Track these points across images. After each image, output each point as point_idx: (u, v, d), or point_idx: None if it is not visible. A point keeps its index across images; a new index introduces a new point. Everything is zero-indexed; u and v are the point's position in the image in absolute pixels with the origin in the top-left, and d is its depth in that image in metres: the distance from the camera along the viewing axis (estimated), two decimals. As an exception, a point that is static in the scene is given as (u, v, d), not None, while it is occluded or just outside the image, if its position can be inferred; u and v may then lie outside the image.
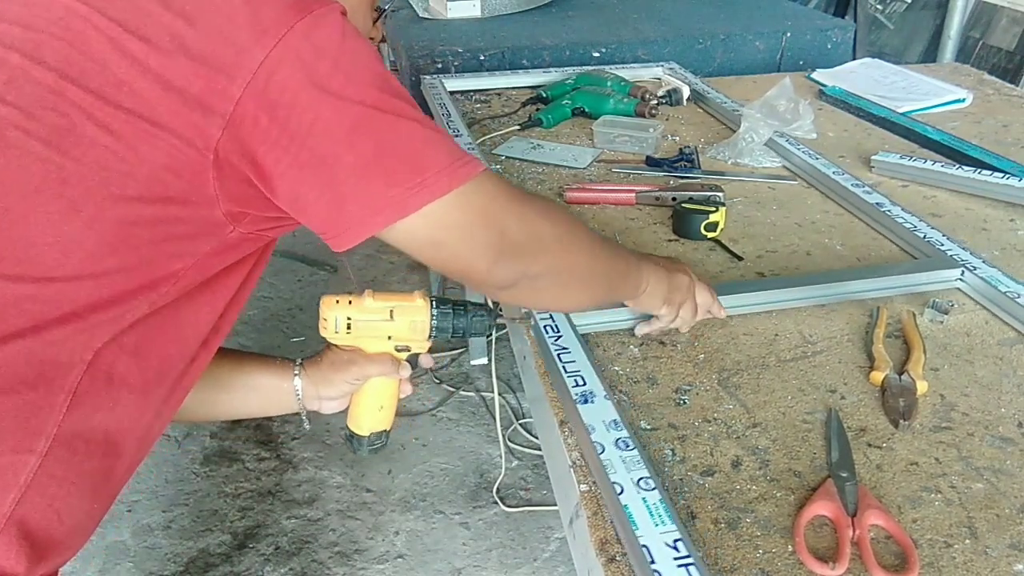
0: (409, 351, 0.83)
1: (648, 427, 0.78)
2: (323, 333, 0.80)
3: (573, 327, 0.90)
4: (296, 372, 0.84)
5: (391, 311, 0.79)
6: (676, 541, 0.63)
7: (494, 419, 2.04)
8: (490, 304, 0.88)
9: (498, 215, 0.65)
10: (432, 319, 0.80)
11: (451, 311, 0.81)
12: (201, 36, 0.56)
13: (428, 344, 0.83)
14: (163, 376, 0.65)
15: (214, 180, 0.58)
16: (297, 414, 0.86)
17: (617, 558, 0.64)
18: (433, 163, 0.60)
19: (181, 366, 0.66)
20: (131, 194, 0.57)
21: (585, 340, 0.89)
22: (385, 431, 0.87)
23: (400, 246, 0.63)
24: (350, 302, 0.79)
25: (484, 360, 2.29)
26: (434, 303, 0.81)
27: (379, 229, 0.60)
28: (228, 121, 0.56)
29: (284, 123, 0.57)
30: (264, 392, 0.85)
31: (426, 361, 0.86)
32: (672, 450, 0.75)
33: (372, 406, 0.85)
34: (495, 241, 0.65)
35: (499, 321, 0.87)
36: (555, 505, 1.76)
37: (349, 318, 0.79)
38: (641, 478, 0.69)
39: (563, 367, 0.84)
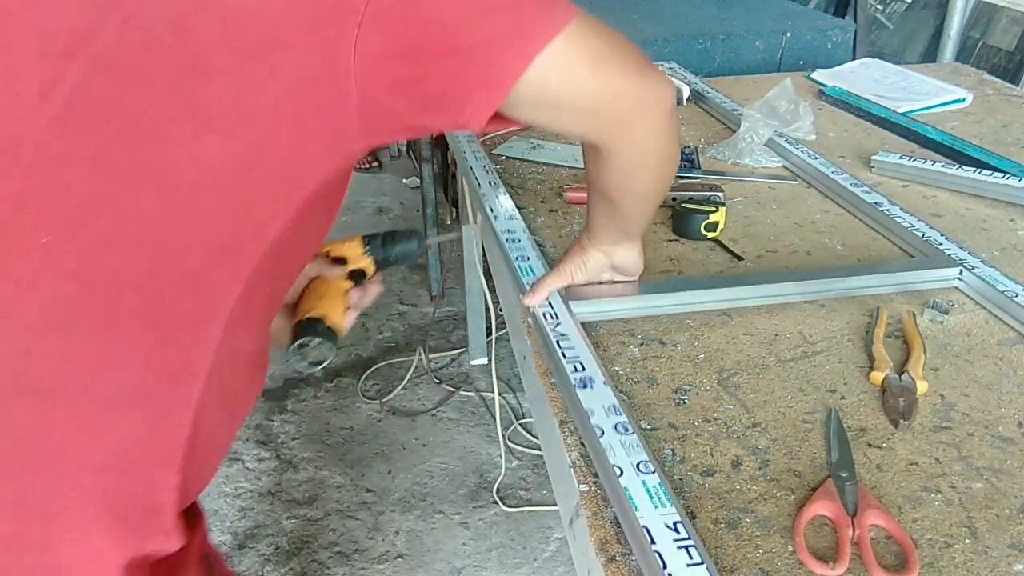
0: (346, 263, 0.90)
1: (648, 427, 0.78)
2: None
3: (572, 314, 0.91)
4: None
5: (329, 244, 0.91)
6: (676, 523, 0.63)
7: (494, 419, 2.04)
8: (418, 229, 0.96)
9: (616, 39, 0.64)
10: (363, 241, 0.92)
11: (380, 235, 0.93)
12: None
13: (368, 261, 0.92)
14: (282, 295, 0.66)
15: (354, 87, 0.56)
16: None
17: (617, 558, 0.64)
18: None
19: (291, 284, 0.67)
20: (265, 109, 0.55)
21: (584, 330, 0.89)
22: (323, 318, 0.84)
23: (527, 99, 0.60)
24: None
25: (484, 360, 2.29)
26: (365, 236, 0.93)
27: (531, 56, 0.57)
28: (363, 18, 0.55)
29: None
30: None
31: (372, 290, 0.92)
32: (672, 450, 0.75)
33: (311, 295, 0.86)
34: (612, 66, 0.63)
35: (427, 242, 0.96)
36: (555, 505, 1.76)
37: None
38: (640, 461, 0.69)
39: (562, 353, 0.84)
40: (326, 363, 0.84)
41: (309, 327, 0.82)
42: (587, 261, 0.92)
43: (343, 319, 0.86)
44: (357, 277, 0.92)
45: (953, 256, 1.04)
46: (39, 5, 0.52)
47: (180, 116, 0.53)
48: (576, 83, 0.61)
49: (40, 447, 0.53)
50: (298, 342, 0.81)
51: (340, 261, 0.90)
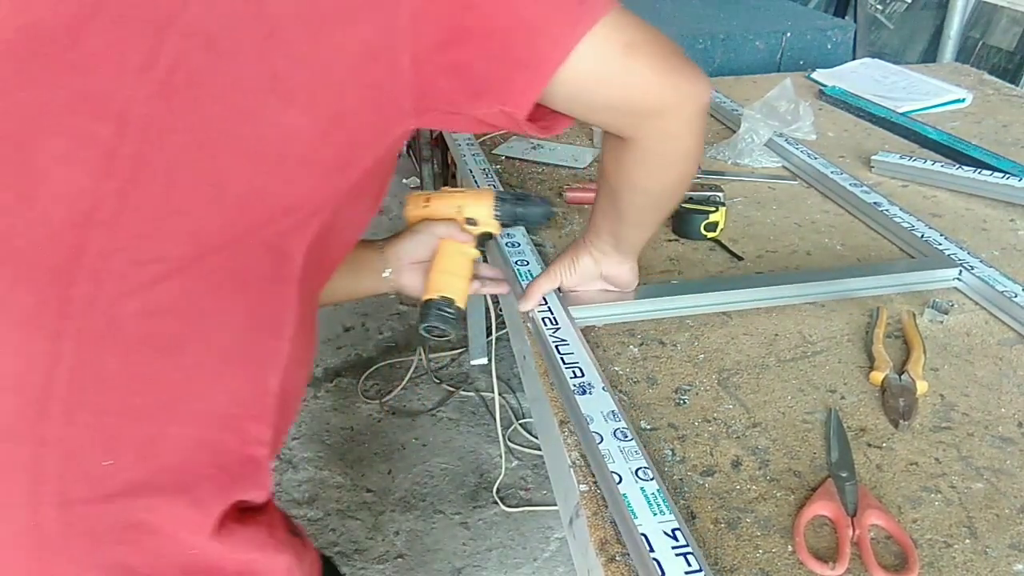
0: (477, 225, 0.95)
1: (648, 427, 0.78)
2: (405, 214, 0.96)
3: (571, 319, 0.91)
4: (380, 247, 0.94)
5: (462, 193, 0.97)
6: (675, 530, 0.63)
7: (494, 419, 2.04)
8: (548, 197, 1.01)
9: (653, 31, 0.65)
10: (495, 199, 0.95)
11: (511, 196, 0.98)
12: None
13: (496, 225, 0.96)
14: (340, 260, 0.70)
15: (407, 64, 0.59)
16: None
17: (617, 558, 0.64)
18: None
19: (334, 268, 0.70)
20: (342, 80, 0.58)
21: (583, 333, 0.89)
22: (452, 301, 0.92)
23: (566, 90, 0.62)
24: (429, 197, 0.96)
25: (484, 360, 2.29)
26: (497, 193, 0.97)
27: (574, 40, 0.59)
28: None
29: None
30: (354, 268, 0.90)
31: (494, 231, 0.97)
32: (672, 450, 0.75)
33: (442, 269, 0.92)
34: (654, 57, 0.64)
35: (555, 210, 1.00)
36: (555, 505, 1.76)
37: (428, 196, 0.96)
38: (639, 468, 0.69)
39: (561, 359, 0.84)
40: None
41: (439, 313, 0.91)
42: (577, 264, 0.92)
43: (465, 291, 0.93)
44: (483, 239, 0.96)
45: (953, 256, 1.04)
46: None
47: (265, 87, 0.56)
48: (612, 71, 0.63)
49: (161, 395, 0.55)
50: (428, 324, 0.91)
51: (470, 222, 0.94)
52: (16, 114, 0.53)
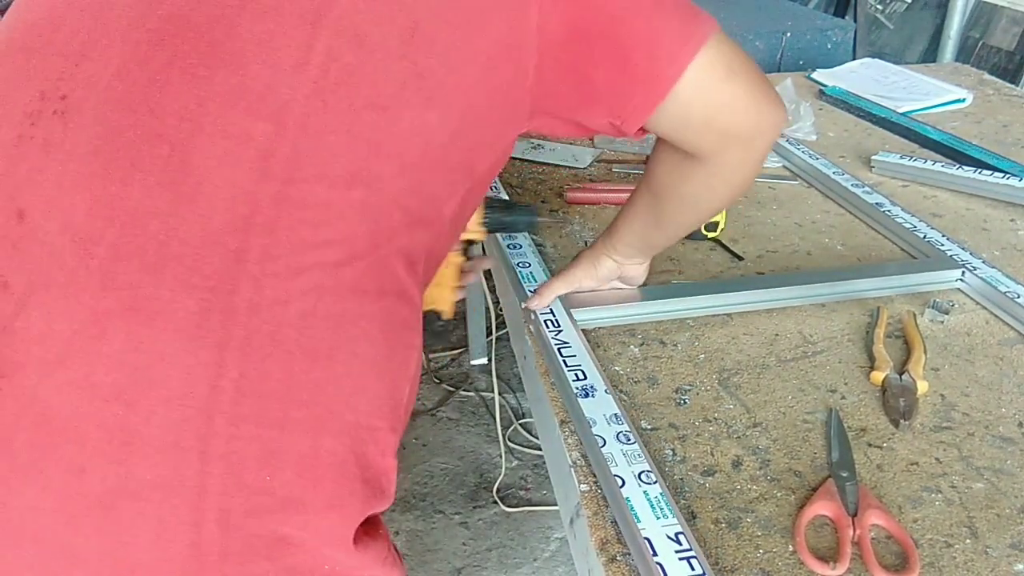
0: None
1: (648, 427, 0.78)
2: None
3: (573, 321, 0.91)
4: None
5: None
6: (678, 534, 0.63)
7: (494, 419, 2.04)
8: (534, 205, 1.01)
9: (746, 56, 0.66)
10: (484, 206, 0.94)
11: (499, 202, 0.97)
12: None
13: (482, 232, 0.95)
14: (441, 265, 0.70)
15: (532, 64, 0.60)
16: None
17: (618, 558, 0.64)
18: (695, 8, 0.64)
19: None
20: (475, 80, 0.58)
21: (585, 335, 0.89)
22: (440, 314, 0.92)
23: (672, 110, 0.63)
24: None
25: (484, 360, 2.29)
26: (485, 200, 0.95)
27: (689, 59, 0.61)
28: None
29: None
30: None
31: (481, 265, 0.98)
32: (672, 450, 0.75)
33: None
34: (753, 83, 0.66)
35: (540, 219, 0.99)
36: (555, 505, 1.75)
37: None
38: (642, 471, 0.69)
39: (563, 361, 0.84)
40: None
41: (427, 328, 0.88)
42: (599, 269, 0.91)
43: (452, 301, 0.92)
44: (467, 245, 0.95)
45: (955, 257, 1.04)
46: None
47: (410, 87, 0.55)
48: (714, 94, 0.64)
49: (317, 406, 0.53)
50: None
51: None
52: (170, 111, 0.51)
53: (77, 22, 0.55)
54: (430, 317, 0.89)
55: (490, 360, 2.24)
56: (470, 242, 0.96)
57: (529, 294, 0.95)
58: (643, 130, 0.67)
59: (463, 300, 0.94)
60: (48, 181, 0.51)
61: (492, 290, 1.24)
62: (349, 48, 0.53)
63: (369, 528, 0.58)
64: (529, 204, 1.00)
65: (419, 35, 0.55)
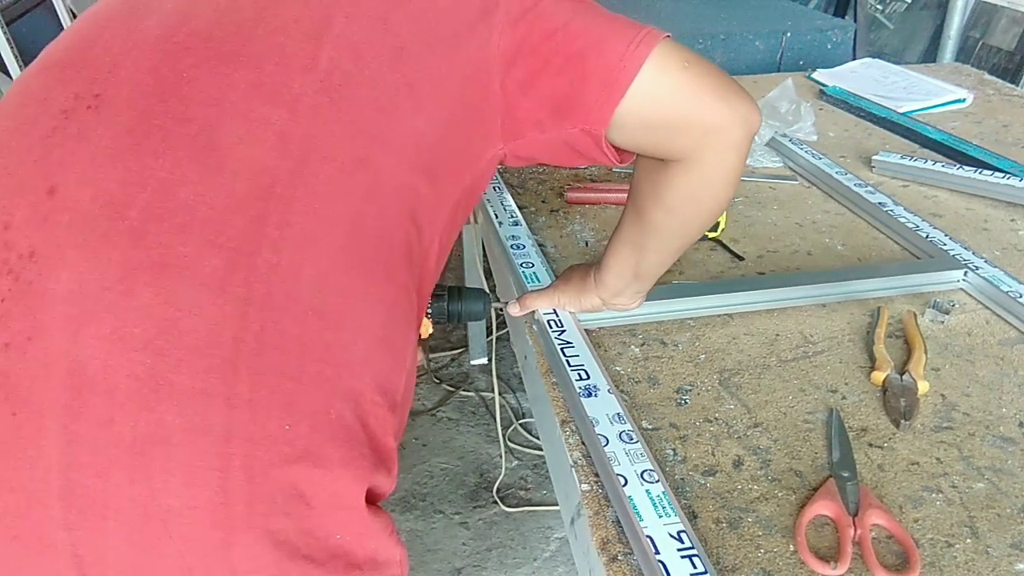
0: None
1: (649, 427, 0.78)
2: None
3: (577, 321, 0.91)
4: None
5: None
6: (680, 532, 0.63)
7: (494, 419, 2.04)
8: (486, 289, 0.92)
9: (703, 57, 0.69)
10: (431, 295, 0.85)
11: (445, 293, 0.88)
12: None
13: (428, 324, 0.88)
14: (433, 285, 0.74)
15: (497, 83, 0.66)
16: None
17: (619, 557, 0.64)
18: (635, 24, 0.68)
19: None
20: (453, 96, 0.65)
21: (588, 335, 0.89)
22: None
23: (636, 110, 0.67)
24: None
25: (484, 360, 2.29)
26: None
27: (644, 53, 0.65)
28: (501, 20, 0.66)
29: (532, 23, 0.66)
30: None
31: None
32: (673, 450, 0.75)
33: None
34: (709, 77, 0.68)
35: (495, 305, 0.91)
36: (555, 505, 1.75)
37: None
38: (645, 470, 0.69)
39: (567, 361, 0.84)
40: None
41: None
42: (582, 301, 0.91)
43: None
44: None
45: (958, 257, 1.04)
46: (279, 4, 0.62)
47: (402, 93, 0.62)
48: (675, 87, 0.67)
49: (327, 367, 0.56)
50: None
51: None
52: (198, 100, 0.57)
53: (109, 41, 0.61)
54: None
55: (490, 360, 2.24)
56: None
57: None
58: (621, 157, 0.71)
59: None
60: (81, 161, 0.55)
61: (492, 290, 1.24)
62: (348, 59, 0.61)
63: (372, 505, 0.60)
64: (480, 289, 0.90)
65: (406, 53, 0.63)
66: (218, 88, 0.58)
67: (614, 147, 0.70)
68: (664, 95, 0.67)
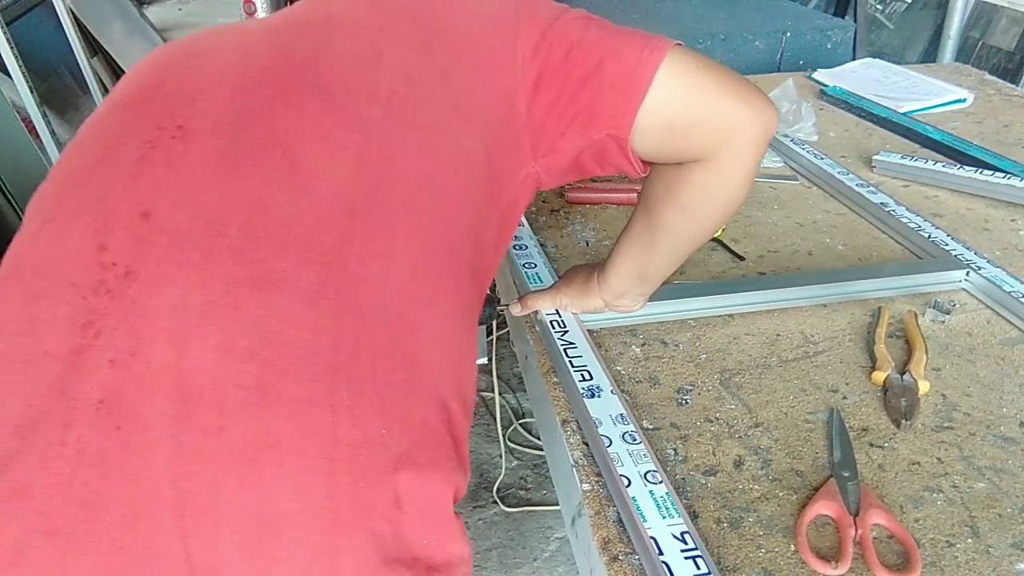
0: None
1: (650, 427, 0.78)
2: None
3: (579, 322, 0.91)
4: None
5: None
6: (684, 533, 0.64)
7: (494, 419, 2.04)
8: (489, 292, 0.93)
9: (716, 61, 0.73)
10: None
11: None
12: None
13: None
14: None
15: (523, 103, 0.71)
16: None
17: (620, 557, 0.64)
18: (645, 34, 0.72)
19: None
20: (490, 115, 0.70)
21: (590, 335, 0.89)
22: None
23: (658, 111, 0.69)
24: None
25: (484, 360, 2.29)
26: None
27: (659, 58, 0.69)
28: (521, 41, 0.70)
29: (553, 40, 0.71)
30: None
31: None
32: (674, 449, 0.75)
33: None
34: (726, 77, 0.71)
35: (499, 308, 0.91)
36: (555, 505, 1.75)
37: None
38: (648, 471, 0.70)
39: (570, 361, 0.84)
40: None
41: None
42: (585, 303, 0.92)
43: None
44: None
45: (960, 257, 1.04)
46: (332, 40, 0.67)
47: (452, 113, 0.67)
48: (691, 87, 0.69)
49: (413, 375, 0.58)
50: None
51: None
52: (278, 127, 0.61)
53: (179, 81, 0.64)
54: None
55: (490, 360, 2.24)
56: None
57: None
58: (649, 165, 0.74)
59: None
60: (173, 186, 0.58)
61: (493, 289, 1.24)
62: (402, 84, 0.66)
63: (454, 511, 0.61)
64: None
65: (450, 78, 0.68)
66: (296, 116, 0.61)
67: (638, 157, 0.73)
68: (683, 95, 0.69)
